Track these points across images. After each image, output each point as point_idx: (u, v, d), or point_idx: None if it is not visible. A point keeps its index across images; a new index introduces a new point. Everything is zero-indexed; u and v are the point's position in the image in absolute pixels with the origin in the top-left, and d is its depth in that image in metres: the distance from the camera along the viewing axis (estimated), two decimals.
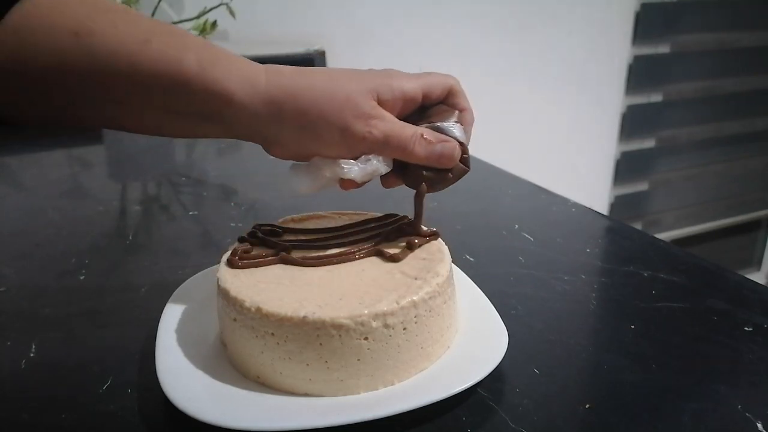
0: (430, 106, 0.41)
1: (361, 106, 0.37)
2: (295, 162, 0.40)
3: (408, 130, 0.38)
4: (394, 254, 0.40)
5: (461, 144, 0.40)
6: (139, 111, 0.36)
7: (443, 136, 0.39)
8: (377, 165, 0.39)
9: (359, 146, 0.38)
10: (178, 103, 0.35)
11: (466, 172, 0.41)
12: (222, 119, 0.36)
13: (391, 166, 0.40)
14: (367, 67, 0.40)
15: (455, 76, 0.41)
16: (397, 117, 0.39)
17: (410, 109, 0.40)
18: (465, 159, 0.41)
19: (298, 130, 0.37)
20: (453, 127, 0.40)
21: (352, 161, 0.39)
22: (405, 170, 0.40)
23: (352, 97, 0.37)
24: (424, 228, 0.43)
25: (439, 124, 0.39)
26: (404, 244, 0.41)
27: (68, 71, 0.33)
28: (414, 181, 0.40)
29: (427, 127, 0.39)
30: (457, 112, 0.41)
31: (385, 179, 0.41)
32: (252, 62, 0.37)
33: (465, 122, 0.41)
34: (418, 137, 0.38)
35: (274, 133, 0.37)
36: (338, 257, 0.40)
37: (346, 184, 0.40)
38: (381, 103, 0.38)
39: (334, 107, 0.36)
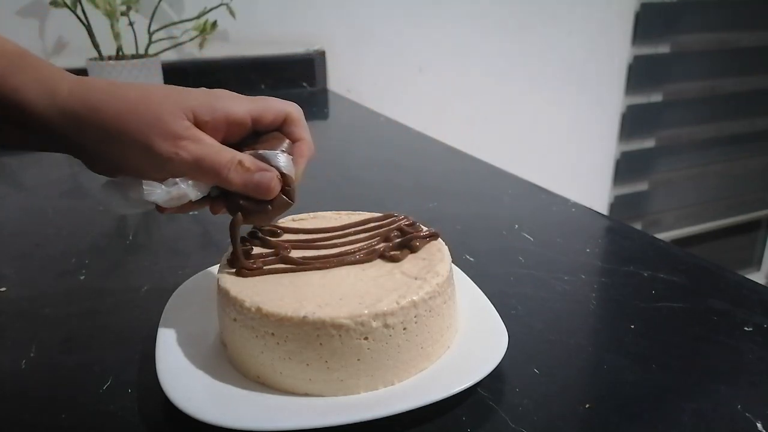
0: (264, 133, 0.39)
1: (170, 126, 0.35)
2: (108, 178, 0.38)
3: (225, 155, 0.36)
4: (394, 255, 0.39)
5: (284, 175, 0.37)
6: None
7: (264, 165, 0.37)
8: (185, 189, 0.36)
9: (166, 167, 0.35)
10: None
11: (289, 206, 0.39)
12: (31, 130, 0.35)
13: (204, 191, 0.37)
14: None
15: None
16: (221, 141, 0.37)
17: (239, 133, 0.38)
18: (288, 191, 0.38)
19: (101, 144, 0.35)
20: (278, 156, 0.37)
21: (155, 183, 0.36)
22: (227, 197, 0.38)
23: (160, 114, 0.35)
24: (424, 228, 0.43)
25: (262, 152, 0.37)
26: (405, 245, 0.40)
27: None
28: (231, 210, 0.38)
29: (250, 153, 0.37)
30: (287, 141, 0.39)
31: (212, 205, 0.39)
32: (65, 73, 0.36)
33: (299, 153, 0.39)
34: (234, 163, 0.36)
35: (78, 147, 0.36)
36: (338, 258, 0.40)
37: (160, 208, 0.37)
38: (200, 124, 0.36)
39: (139, 124, 0.34)
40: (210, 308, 0.41)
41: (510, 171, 0.81)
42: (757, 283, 0.50)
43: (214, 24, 1.11)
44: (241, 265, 0.38)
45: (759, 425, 0.34)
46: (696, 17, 1.68)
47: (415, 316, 0.35)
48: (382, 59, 1.37)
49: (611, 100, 1.68)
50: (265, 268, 0.38)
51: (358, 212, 0.46)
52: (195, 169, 0.36)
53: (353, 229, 0.44)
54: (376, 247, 0.41)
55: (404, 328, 0.35)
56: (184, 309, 0.43)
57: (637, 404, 0.36)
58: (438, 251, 0.41)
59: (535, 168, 1.36)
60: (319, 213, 0.47)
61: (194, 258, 0.57)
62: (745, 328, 0.44)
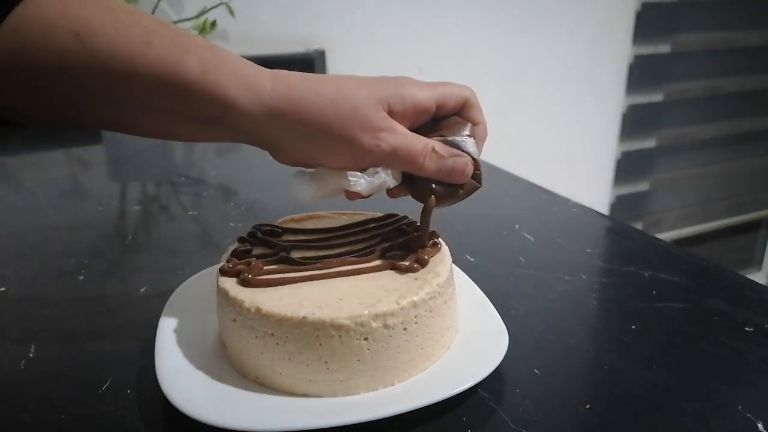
0: (443, 118, 0.39)
1: (369, 118, 0.35)
2: (300, 169, 0.39)
3: (418, 143, 0.37)
4: (410, 266, 0.38)
5: (474, 160, 0.39)
6: (140, 114, 0.35)
7: (456, 151, 0.38)
8: (385, 178, 0.38)
9: (366, 159, 0.37)
10: (179, 107, 0.34)
11: (477, 188, 0.40)
12: (224, 124, 0.35)
13: (399, 179, 0.39)
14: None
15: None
16: (408, 128, 0.37)
17: (423, 120, 0.39)
18: (477, 175, 0.39)
19: (302, 139, 0.36)
20: (466, 141, 0.38)
21: (358, 173, 0.37)
22: (413, 182, 0.39)
23: (359, 107, 0.35)
24: None
25: (452, 138, 0.38)
26: (414, 258, 0.39)
27: (68, 72, 0.33)
28: (422, 195, 0.39)
29: (439, 140, 0.38)
30: (470, 125, 0.39)
31: (391, 190, 0.40)
32: (257, 67, 0.36)
33: (478, 137, 0.40)
34: (428, 151, 0.37)
35: (278, 142, 0.36)
36: (338, 259, 0.39)
37: (352, 195, 0.38)
38: (392, 113, 0.36)
39: (339, 118, 0.35)
40: (209, 309, 0.41)
41: (510, 171, 0.81)
42: (757, 283, 0.50)
43: (214, 23, 1.11)
44: (425, 246, 0.39)
45: (759, 425, 0.34)
46: (696, 17, 1.68)
47: (415, 317, 0.35)
48: (382, 59, 1.37)
49: (612, 99, 1.68)
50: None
51: (358, 212, 0.46)
52: (392, 158, 0.36)
53: (353, 230, 0.44)
54: (376, 247, 0.41)
55: (404, 329, 0.35)
56: (183, 309, 0.43)
57: (637, 404, 0.36)
58: (438, 251, 0.41)
59: (535, 168, 1.36)
60: (320, 213, 0.47)
61: (194, 258, 0.57)
62: (746, 328, 0.43)
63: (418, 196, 0.39)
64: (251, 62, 0.36)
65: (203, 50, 0.34)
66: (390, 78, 0.38)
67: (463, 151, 0.38)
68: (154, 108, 0.35)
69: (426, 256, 0.39)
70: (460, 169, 0.38)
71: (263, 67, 0.36)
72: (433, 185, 0.38)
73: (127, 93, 0.34)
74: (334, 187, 0.38)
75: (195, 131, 0.36)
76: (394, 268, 0.38)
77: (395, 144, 0.36)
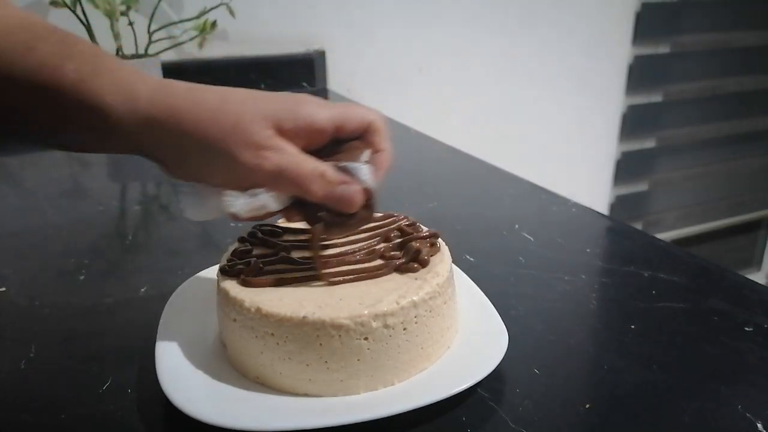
0: (345, 141, 0.37)
1: (253, 134, 0.33)
2: (187, 184, 0.37)
3: (306, 165, 0.34)
4: (409, 266, 0.38)
5: (368, 188, 0.36)
6: (30, 123, 0.34)
7: (346, 178, 0.35)
8: (266, 201, 0.35)
9: (248, 178, 0.34)
10: (61, 116, 0.33)
11: (370, 219, 0.38)
12: (107, 134, 0.34)
13: (285, 203, 0.36)
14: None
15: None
16: (303, 149, 0.35)
17: (320, 141, 0.36)
18: (369, 204, 0.37)
19: (180, 152, 0.34)
20: (360, 168, 0.36)
21: (236, 193, 0.35)
22: (304, 207, 0.37)
23: (242, 122, 0.33)
24: (424, 228, 0.43)
25: (345, 164, 0.36)
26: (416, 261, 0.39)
27: None
28: (310, 220, 0.37)
29: (332, 164, 0.35)
30: (368, 151, 0.37)
31: (287, 212, 0.38)
32: (144, 75, 0.34)
33: (378, 165, 0.37)
34: (316, 175, 0.34)
35: (158, 153, 0.34)
36: (338, 259, 0.39)
37: (233, 216, 0.36)
38: (282, 131, 0.34)
39: (219, 131, 0.33)
40: (210, 308, 0.41)
41: (510, 171, 0.81)
42: (757, 283, 0.50)
43: (214, 24, 1.11)
44: (319, 268, 0.37)
45: (759, 425, 0.34)
46: (696, 17, 1.68)
47: (415, 317, 0.35)
48: (382, 59, 1.37)
49: (612, 100, 1.68)
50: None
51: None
52: (276, 179, 0.34)
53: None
54: (376, 247, 0.41)
55: (404, 329, 0.35)
56: (183, 309, 0.43)
57: (637, 404, 0.36)
58: (438, 251, 0.41)
59: (535, 168, 1.36)
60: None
61: (194, 258, 0.57)
62: (746, 328, 0.43)
63: (308, 221, 0.38)
64: (139, 71, 0.34)
65: (85, 57, 0.33)
66: (287, 95, 0.36)
67: (356, 178, 0.36)
68: (37, 117, 0.33)
69: (426, 257, 0.39)
70: (348, 198, 0.35)
71: (152, 77, 0.34)
72: (322, 212, 0.36)
73: (9, 100, 0.33)
74: (214, 206, 0.36)
75: (85, 141, 0.35)
76: (394, 269, 0.38)
77: (280, 164, 0.34)
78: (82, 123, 0.33)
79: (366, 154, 0.37)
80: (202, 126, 0.33)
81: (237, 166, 0.33)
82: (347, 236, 0.43)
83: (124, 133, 0.33)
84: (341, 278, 0.37)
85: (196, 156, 0.34)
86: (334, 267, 0.38)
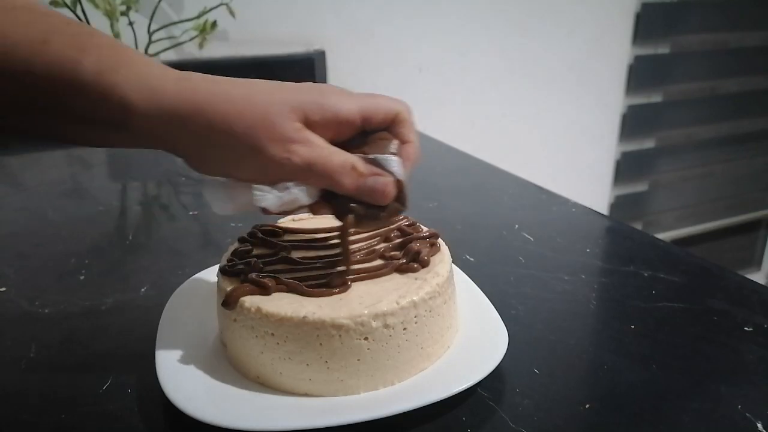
0: (371, 132, 0.36)
1: (280, 127, 0.32)
2: (212, 178, 0.36)
3: (337, 158, 0.34)
4: (412, 266, 0.38)
5: (398, 180, 0.35)
6: (45, 118, 0.33)
7: (377, 170, 0.35)
8: (297, 195, 0.35)
9: (277, 172, 0.33)
10: (79, 110, 0.32)
11: (400, 211, 0.37)
12: (128, 129, 0.32)
13: (315, 197, 0.36)
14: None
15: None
16: (330, 141, 0.34)
17: (348, 133, 0.35)
18: (401, 197, 0.36)
19: (207, 147, 0.33)
20: (390, 160, 0.35)
21: (267, 188, 0.34)
22: (333, 199, 0.36)
23: (269, 115, 0.32)
24: (424, 228, 0.43)
25: (375, 156, 0.35)
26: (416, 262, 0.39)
27: None
28: (341, 214, 0.36)
29: (361, 157, 0.35)
30: (396, 142, 0.36)
31: (312, 206, 0.37)
32: (165, 68, 0.33)
33: (406, 156, 0.36)
34: (347, 167, 0.34)
35: (182, 148, 0.33)
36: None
37: (265, 211, 0.35)
38: (309, 124, 0.33)
39: (246, 125, 0.32)
40: (210, 308, 0.41)
41: (510, 171, 0.81)
42: (757, 283, 0.50)
43: (214, 24, 1.11)
44: (348, 263, 0.37)
45: (759, 425, 0.34)
46: (696, 17, 1.68)
47: (415, 317, 0.35)
48: (382, 59, 1.37)
49: (611, 100, 1.68)
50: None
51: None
52: (306, 173, 0.33)
53: (353, 229, 0.43)
54: (376, 247, 0.41)
55: (404, 329, 0.35)
56: (184, 309, 0.43)
57: (637, 404, 0.36)
58: (438, 251, 0.41)
59: (535, 168, 1.36)
60: None
61: (194, 258, 0.57)
62: (745, 328, 0.43)
63: (338, 214, 0.37)
64: (159, 63, 0.33)
65: (104, 50, 0.32)
66: (312, 85, 0.35)
67: (386, 170, 0.35)
68: (55, 112, 0.32)
69: (426, 257, 0.39)
70: (380, 190, 0.35)
71: (173, 69, 0.33)
72: (352, 204, 0.36)
73: (25, 94, 0.32)
74: (243, 200, 0.35)
75: (103, 136, 0.34)
76: (394, 269, 0.38)
77: (309, 158, 0.33)
78: (102, 118, 0.32)
79: (394, 145, 0.36)
80: (228, 120, 0.32)
81: (265, 161, 0.33)
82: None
83: (146, 128, 0.32)
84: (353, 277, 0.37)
85: (223, 151, 0.33)
86: (335, 267, 0.38)
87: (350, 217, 0.36)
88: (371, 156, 0.35)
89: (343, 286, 0.36)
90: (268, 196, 0.34)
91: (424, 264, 0.38)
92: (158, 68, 0.33)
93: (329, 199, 0.36)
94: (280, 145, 0.32)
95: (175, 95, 0.32)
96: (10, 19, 0.31)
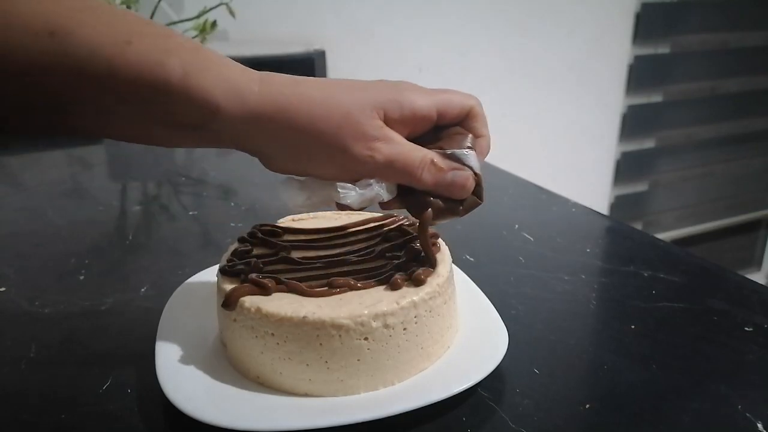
0: (445, 127, 0.37)
1: (363, 126, 0.33)
2: (290, 176, 0.37)
3: (416, 154, 0.35)
4: (400, 282, 0.37)
5: (476, 174, 0.36)
6: (122, 118, 0.33)
7: (456, 164, 0.36)
8: (378, 191, 0.35)
9: (359, 170, 0.34)
10: (162, 112, 0.32)
11: (478, 204, 0.38)
12: (209, 130, 0.33)
13: (394, 192, 0.36)
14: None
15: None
16: (406, 137, 0.35)
17: (423, 128, 0.36)
18: (478, 191, 0.37)
19: (291, 148, 0.34)
20: (468, 154, 0.36)
21: (349, 185, 0.35)
22: (410, 195, 0.37)
23: (352, 115, 0.33)
24: None
25: (452, 151, 0.36)
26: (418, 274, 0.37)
27: (45, 74, 0.30)
28: (418, 209, 0.37)
29: (438, 152, 0.36)
30: (470, 137, 0.37)
31: (385, 202, 0.37)
32: (245, 69, 0.34)
33: (479, 150, 0.37)
34: (427, 163, 0.35)
35: (265, 149, 0.34)
36: (338, 259, 0.39)
37: (343, 206, 0.36)
38: (388, 121, 0.34)
39: (330, 126, 0.33)
40: (210, 308, 0.41)
41: (510, 171, 0.81)
42: (757, 283, 0.50)
43: (214, 24, 1.11)
44: (432, 255, 0.38)
45: (759, 425, 0.34)
46: (696, 17, 1.68)
47: (415, 317, 0.35)
48: (382, 59, 1.37)
49: (612, 100, 1.68)
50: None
51: (358, 212, 0.46)
52: (388, 170, 0.34)
53: (353, 230, 0.44)
54: (376, 247, 0.41)
55: (404, 329, 0.35)
56: (184, 309, 0.43)
57: (637, 404, 0.36)
58: (438, 251, 0.41)
59: (535, 168, 1.36)
60: (319, 213, 0.47)
61: (194, 258, 0.57)
62: (745, 328, 0.43)
63: (415, 210, 0.37)
64: (239, 64, 0.34)
65: (187, 51, 0.32)
66: (388, 82, 0.36)
67: (464, 164, 0.36)
68: (136, 113, 0.32)
69: (423, 276, 0.37)
70: (461, 183, 0.36)
71: (252, 70, 0.34)
72: (432, 199, 0.36)
73: (107, 97, 0.31)
74: (323, 197, 0.36)
75: (181, 137, 0.34)
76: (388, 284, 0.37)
77: (391, 155, 0.34)
78: (186, 120, 0.32)
79: (469, 140, 0.37)
80: (314, 121, 0.33)
81: (348, 159, 0.33)
82: (347, 237, 0.42)
83: (230, 130, 0.33)
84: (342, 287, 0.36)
85: (307, 150, 0.34)
86: (335, 267, 0.38)
87: (429, 212, 0.36)
88: (449, 151, 0.36)
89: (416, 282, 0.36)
90: (350, 194, 0.35)
91: (419, 283, 0.37)
92: (241, 70, 0.33)
93: (405, 194, 0.37)
94: (363, 143, 0.33)
95: (260, 98, 0.32)
96: (89, 19, 0.30)
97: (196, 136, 0.34)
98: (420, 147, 0.35)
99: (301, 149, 0.34)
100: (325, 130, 0.33)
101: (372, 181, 0.35)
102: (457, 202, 0.37)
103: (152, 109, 0.32)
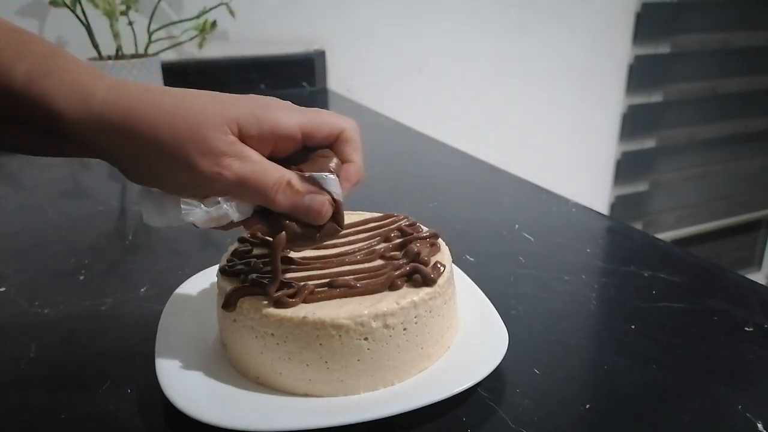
0: (314, 149, 0.35)
1: (211, 140, 0.31)
2: (145, 188, 0.35)
3: (272, 174, 0.33)
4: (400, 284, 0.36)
5: (335, 201, 0.34)
6: None
7: (313, 188, 0.34)
8: (227, 210, 0.33)
9: (208, 187, 0.32)
10: (13, 118, 0.32)
11: (336, 232, 0.36)
12: (61, 136, 0.32)
13: (248, 213, 0.34)
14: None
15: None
16: (269, 156, 0.33)
17: (289, 148, 0.34)
18: (337, 218, 0.35)
19: (136, 157, 0.32)
20: (327, 178, 0.34)
21: (195, 202, 0.33)
22: (268, 216, 0.35)
23: (200, 128, 0.31)
24: (424, 228, 0.43)
25: (311, 174, 0.34)
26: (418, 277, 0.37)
27: None
28: (274, 231, 0.35)
29: (298, 174, 0.34)
30: (336, 160, 0.35)
31: (246, 221, 0.35)
32: (100, 76, 0.32)
33: (345, 177, 0.35)
34: (282, 184, 0.33)
35: (115, 157, 0.33)
36: (338, 259, 0.39)
37: (193, 224, 0.34)
38: (245, 138, 0.32)
39: (174, 137, 0.31)
40: (210, 308, 0.41)
41: (510, 171, 0.81)
42: (757, 283, 0.50)
43: (214, 24, 1.11)
44: (271, 293, 0.35)
45: (759, 425, 0.34)
46: (696, 17, 1.68)
47: (415, 317, 0.35)
48: (382, 59, 1.37)
49: (612, 100, 1.68)
50: (299, 299, 0.35)
51: (357, 212, 0.46)
52: (239, 189, 0.32)
53: (353, 229, 0.44)
54: (376, 247, 0.41)
55: (404, 329, 0.35)
56: (183, 309, 0.43)
57: (637, 404, 0.36)
58: (438, 251, 0.41)
59: (535, 168, 1.36)
60: None
61: (194, 258, 0.57)
62: (746, 328, 0.43)
63: (271, 232, 0.35)
64: (99, 71, 0.33)
65: (38, 57, 0.31)
66: (254, 97, 0.34)
67: (322, 189, 0.34)
68: None
69: (431, 275, 0.37)
70: (317, 209, 0.34)
71: (109, 77, 0.33)
72: (288, 222, 0.34)
73: None
74: (175, 213, 0.33)
75: (43, 145, 0.33)
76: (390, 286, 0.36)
77: (242, 173, 0.32)
78: (35, 126, 0.32)
79: (334, 164, 0.35)
80: (155, 130, 0.31)
81: (195, 174, 0.31)
82: (347, 237, 0.42)
83: (78, 136, 0.32)
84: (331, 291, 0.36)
85: (152, 161, 0.32)
86: (335, 267, 0.38)
87: (282, 235, 0.34)
88: (307, 174, 0.34)
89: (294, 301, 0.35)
90: (195, 211, 0.33)
91: (430, 283, 0.36)
92: (92, 75, 0.32)
93: (265, 214, 0.35)
94: (210, 158, 0.31)
95: (104, 104, 0.31)
96: None
97: (59, 144, 0.33)
98: (279, 167, 0.33)
99: (146, 159, 0.32)
100: (168, 140, 0.31)
101: (221, 198, 0.33)
102: (314, 228, 0.35)
103: (5, 115, 0.32)
